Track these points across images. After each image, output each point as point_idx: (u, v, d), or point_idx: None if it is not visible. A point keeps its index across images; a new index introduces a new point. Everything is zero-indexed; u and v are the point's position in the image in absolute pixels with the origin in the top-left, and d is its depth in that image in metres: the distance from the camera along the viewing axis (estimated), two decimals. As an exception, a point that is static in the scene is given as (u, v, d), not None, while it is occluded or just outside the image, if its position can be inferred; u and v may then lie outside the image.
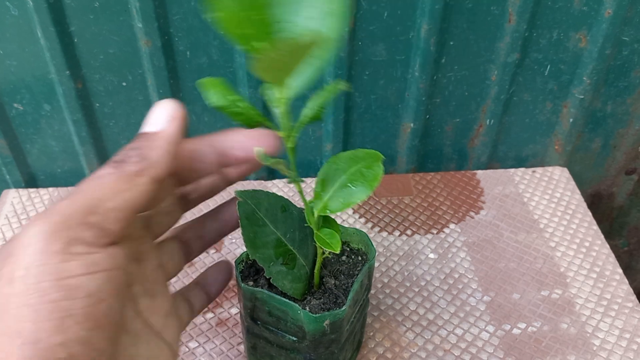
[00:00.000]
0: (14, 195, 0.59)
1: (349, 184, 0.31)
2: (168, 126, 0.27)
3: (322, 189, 0.32)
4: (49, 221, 0.23)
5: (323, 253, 0.35)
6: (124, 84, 0.54)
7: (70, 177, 0.61)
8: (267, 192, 0.34)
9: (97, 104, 0.55)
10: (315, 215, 0.32)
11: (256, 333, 0.37)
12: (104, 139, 0.58)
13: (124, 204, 0.25)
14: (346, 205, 0.31)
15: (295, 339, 0.35)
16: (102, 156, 0.59)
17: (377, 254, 0.54)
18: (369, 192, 0.31)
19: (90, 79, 0.53)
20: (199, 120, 0.57)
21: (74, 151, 0.59)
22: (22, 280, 0.22)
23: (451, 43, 0.53)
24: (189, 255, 0.34)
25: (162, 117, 0.27)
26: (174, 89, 0.54)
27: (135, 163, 0.26)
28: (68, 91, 0.53)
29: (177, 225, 0.34)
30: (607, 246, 0.55)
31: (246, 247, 0.32)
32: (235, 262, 0.35)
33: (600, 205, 0.70)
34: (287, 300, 0.33)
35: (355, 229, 0.39)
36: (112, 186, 0.25)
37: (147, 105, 0.56)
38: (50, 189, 0.60)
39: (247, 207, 0.32)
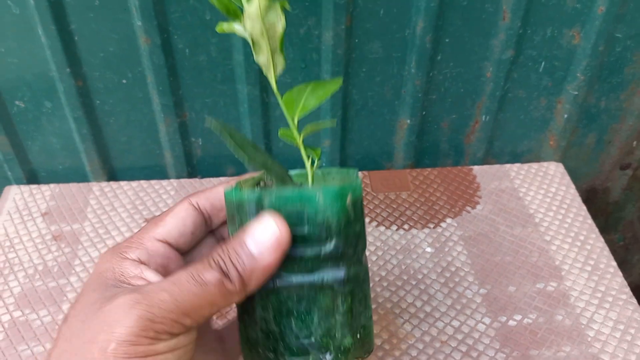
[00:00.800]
0: (15, 192, 0.60)
1: (316, 88, 0.32)
2: (272, 258, 0.28)
3: (292, 102, 0.32)
4: (148, 311, 0.26)
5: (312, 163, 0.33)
6: (124, 81, 0.55)
7: (71, 174, 0.62)
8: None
9: (98, 102, 0.56)
10: (296, 120, 0.31)
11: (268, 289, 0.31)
12: (105, 136, 0.59)
13: (214, 313, 0.28)
14: (323, 96, 0.31)
15: (318, 249, 0.29)
16: (103, 153, 0.60)
17: (374, 248, 0.55)
18: (339, 83, 0.32)
19: (91, 76, 0.54)
20: (198, 118, 0.58)
21: (74, 148, 0.59)
22: (113, 353, 0.25)
23: (446, 40, 0.54)
24: None
25: (270, 241, 0.28)
26: (173, 87, 0.55)
27: (237, 285, 0.27)
28: (69, 89, 0.54)
29: None
30: (602, 239, 0.56)
31: (239, 154, 0.30)
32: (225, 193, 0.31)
33: (596, 201, 0.71)
34: (300, 190, 0.29)
35: (345, 168, 0.35)
36: (212, 299, 0.27)
37: (146, 103, 0.56)
38: (52, 185, 0.60)
39: (227, 129, 0.31)
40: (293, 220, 0.29)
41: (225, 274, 0.27)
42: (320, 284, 0.30)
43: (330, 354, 0.31)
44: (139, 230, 0.32)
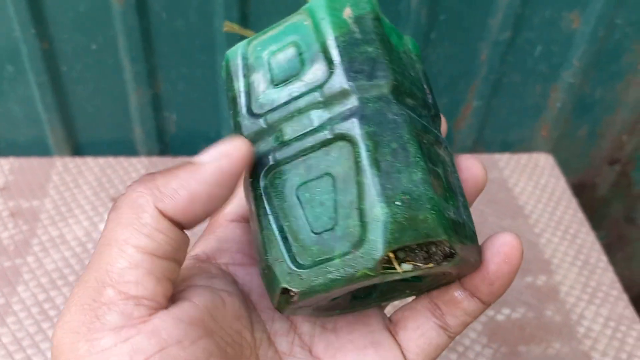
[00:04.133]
0: (-30, 163, 0.55)
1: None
2: (217, 161, 0.22)
3: None
4: (66, 318, 0.20)
5: None
6: (94, 46, 0.51)
7: (33, 147, 0.57)
8: None
9: (64, 67, 0.52)
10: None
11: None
12: (70, 106, 0.55)
13: (136, 258, 0.20)
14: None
15: (320, 89, 0.23)
16: (68, 124, 0.56)
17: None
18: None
19: (58, 39, 0.50)
20: (174, 89, 0.54)
21: (37, 118, 0.55)
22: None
23: (442, 17, 0.51)
24: None
25: (217, 150, 0.22)
26: (147, 53, 0.51)
27: (139, 194, 0.21)
28: (33, 51, 0.50)
29: None
30: (592, 234, 0.54)
31: None
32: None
33: (583, 196, 0.69)
34: (284, 24, 0.24)
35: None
36: (115, 237, 0.20)
37: (117, 70, 0.52)
38: (11, 158, 0.56)
39: None
40: (287, 69, 0.23)
41: (141, 191, 0.21)
42: (331, 138, 0.22)
43: (361, 244, 0.20)
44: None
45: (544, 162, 0.61)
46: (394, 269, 0.20)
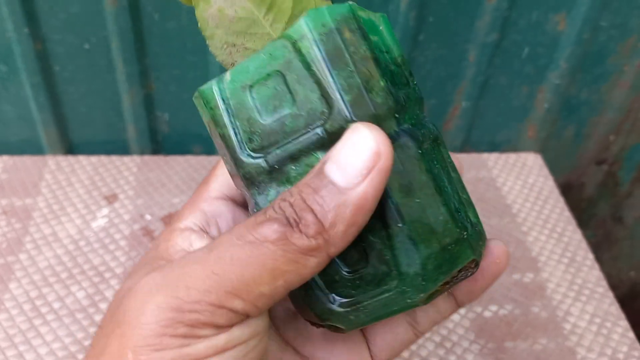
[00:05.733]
0: (-37, 162, 0.55)
1: None
2: (367, 183, 0.18)
3: None
4: (174, 300, 0.18)
5: None
6: (87, 46, 0.51)
7: (26, 146, 0.58)
8: None
9: (57, 67, 0.52)
10: None
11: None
12: (63, 106, 0.55)
13: (282, 290, 0.18)
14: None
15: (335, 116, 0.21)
16: (61, 124, 0.56)
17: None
18: None
19: (51, 39, 0.50)
20: (166, 89, 0.55)
21: (30, 118, 0.55)
22: None
23: (430, 19, 0.52)
24: None
25: (362, 162, 0.18)
26: (139, 54, 0.52)
27: (314, 235, 0.18)
28: (26, 51, 0.50)
29: None
30: (579, 232, 0.54)
31: None
32: None
33: (570, 196, 0.70)
34: (264, 48, 0.22)
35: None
36: (274, 265, 0.18)
37: (110, 71, 0.53)
38: (4, 157, 0.56)
39: None
40: (278, 98, 0.21)
41: (290, 223, 0.18)
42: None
43: (397, 280, 0.21)
44: (193, 194, 0.25)
45: (532, 161, 0.62)
46: (436, 295, 0.22)
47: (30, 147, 0.58)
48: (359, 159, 0.18)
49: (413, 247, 0.21)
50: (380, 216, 0.21)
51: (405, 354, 0.44)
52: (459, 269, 0.22)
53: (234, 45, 0.25)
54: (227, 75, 0.22)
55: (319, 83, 0.21)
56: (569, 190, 0.69)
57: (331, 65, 0.20)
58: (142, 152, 0.59)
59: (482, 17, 0.53)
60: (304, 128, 0.21)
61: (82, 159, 0.57)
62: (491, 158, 0.62)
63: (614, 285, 0.57)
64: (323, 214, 0.18)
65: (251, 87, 0.22)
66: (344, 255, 0.21)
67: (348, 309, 0.21)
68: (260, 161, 0.21)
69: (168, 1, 0.49)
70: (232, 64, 0.25)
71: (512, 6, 0.52)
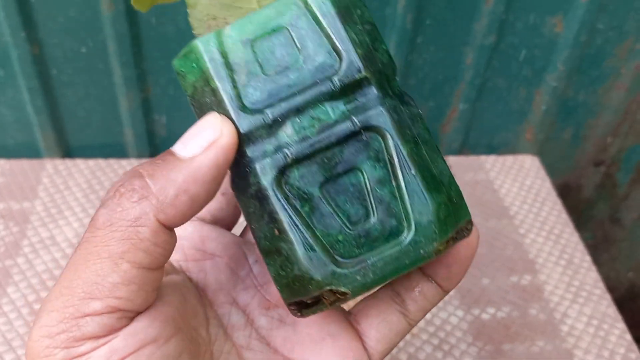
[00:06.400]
0: (-40, 166, 0.55)
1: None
2: (204, 155, 0.19)
3: None
4: (43, 329, 0.18)
5: None
6: (84, 50, 0.51)
7: (23, 149, 0.58)
8: None
9: (55, 71, 0.52)
10: None
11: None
12: (61, 110, 0.55)
13: (135, 271, 0.19)
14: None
15: (330, 78, 0.21)
16: (58, 128, 0.56)
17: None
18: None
19: (48, 43, 0.50)
20: (163, 93, 0.55)
21: (27, 121, 0.55)
22: None
23: (427, 22, 0.52)
24: None
25: (202, 137, 0.20)
26: (136, 58, 0.52)
27: (138, 199, 0.19)
28: (24, 55, 0.50)
29: None
30: (577, 234, 0.55)
31: None
32: None
33: (568, 198, 0.70)
34: (267, 6, 0.22)
35: None
36: (109, 251, 0.18)
37: (107, 75, 0.53)
38: (1, 160, 0.56)
39: None
40: (283, 52, 0.21)
41: (115, 200, 0.19)
42: (356, 130, 0.21)
43: (409, 231, 0.21)
44: None
45: (529, 164, 0.62)
46: (442, 251, 0.21)
47: (27, 150, 0.58)
48: (199, 134, 0.20)
49: (424, 196, 0.21)
50: (391, 168, 0.21)
51: (404, 356, 0.44)
52: (459, 227, 0.22)
53: (215, 18, 0.25)
54: (227, 30, 0.22)
55: (328, 37, 0.21)
56: (567, 192, 0.69)
57: (344, 20, 0.21)
58: (139, 156, 0.59)
59: (480, 20, 0.53)
60: (310, 80, 0.21)
61: (80, 162, 0.57)
62: (489, 160, 0.62)
63: (612, 287, 0.57)
64: (152, 176, 0.19)
65: (253, 41, 0.22)
66: (346, 213, 0.21)
67: (354, 269, 0.21)
68: (260, 115, 0.21)
69: (165, 5, 0.49)
70: None
71: (509, 9, 0.52)
